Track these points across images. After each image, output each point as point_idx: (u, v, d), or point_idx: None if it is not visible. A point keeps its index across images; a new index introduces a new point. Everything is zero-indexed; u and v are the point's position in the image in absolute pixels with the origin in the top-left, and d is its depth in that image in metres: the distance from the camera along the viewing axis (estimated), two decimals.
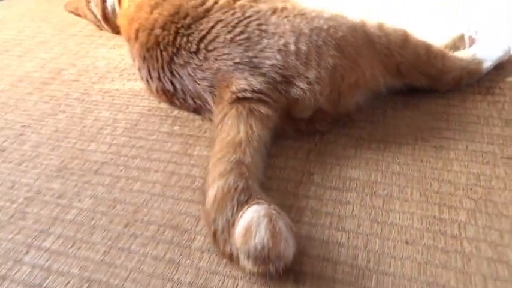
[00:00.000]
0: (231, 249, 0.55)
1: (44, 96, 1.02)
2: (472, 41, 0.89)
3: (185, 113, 0.88)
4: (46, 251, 0.63)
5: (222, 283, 0.56)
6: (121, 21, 0.98)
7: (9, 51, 1.28)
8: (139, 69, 0.88)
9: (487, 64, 0.82)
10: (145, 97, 0.96)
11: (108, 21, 1.20)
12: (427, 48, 0.77)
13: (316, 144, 0.76)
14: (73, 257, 0.61)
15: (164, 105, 0.92)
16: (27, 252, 0.63)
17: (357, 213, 0.63)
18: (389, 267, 0.55)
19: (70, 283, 0.58)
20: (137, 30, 0.85)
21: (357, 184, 0.67)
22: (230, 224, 0.55)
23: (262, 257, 0.51)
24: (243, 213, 0.55)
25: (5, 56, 1.25)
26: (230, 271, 0.57)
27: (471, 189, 0.64)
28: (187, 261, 0.59)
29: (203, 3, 0.81)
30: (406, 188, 0.65)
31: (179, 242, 0.62)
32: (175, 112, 0.89)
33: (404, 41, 0.75)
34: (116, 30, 1.18)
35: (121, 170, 0.76)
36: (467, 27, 0.92)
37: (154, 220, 0.66)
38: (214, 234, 0.57)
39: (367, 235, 0.59)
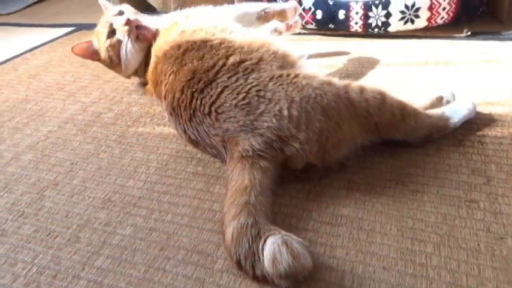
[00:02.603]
0: (262, 274, 0.71)
1: (87, 137, 1.21)
2: (449, 103, 1.05)
3: (207, 156, 1.06)
4: (98, 268, 0.79)
5: None
6: (150, 78, 1.16)
7: (53, 94, 1.49)
8: (169, 121, 1.06)
9: (454, 121, 0.99)
10: (173, 140, 1.14)
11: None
12: (402, 108, 0.92)
13: (314, 186, 0.92)
14: (120, 273, 0.78)
15: (189, 148, 1.10)
16: (83, 269, 0.80)
17: (346, 244, 0.78)
18: None
19: None
20: (166, 91, 1.03)
21: (346, 220, 0.83)
22: (250, 254, 0.72)
23: (293, 274, 0.69)
24: (263, 246, 0.71)
25: (51, 99, 1.45)
26: None
27: (438, 226, 0.80)
28: (211, 279, 0.75)
29: (214, 66, 0.98)
30: (386, 224, 0.81)
31: (204, 264, 0.78)
32: (199, 155, 1.07)
33: (382, 103, 0.90)
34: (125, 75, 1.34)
35: (155, 204, 0.93)
36: (445, 89, 1.09)
37: (184, 246, 0.82)
38: (238, 263, 0.73)
39: (353, 262, 0.75)
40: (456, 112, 1.01)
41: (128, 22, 1.20)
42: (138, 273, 0.77)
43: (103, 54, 1.26)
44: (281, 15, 1.36)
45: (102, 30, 1.25)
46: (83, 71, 1.64)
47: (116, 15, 1.25)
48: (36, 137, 1.24)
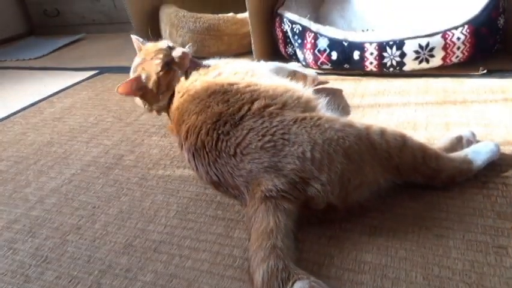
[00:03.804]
0: None
1: (109, 180, 1.23)
2: (469, 143, 1.05)
3: (226, 199, 1.06)
4: None
5: None
6: (173, 116, 1.18)
7: (77, 137, 1.53)
8: (189, 162, 1.08)
9: (477, 164, 0.97)
10: (193, 183, 1.15)
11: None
12: (423, 151, 0.93)
13: (336, 231, 0.91)
14: None
15: (209, 191, 1.10)
16: None
17: None
18: None
19: None
20: (187, 132, 1.06)
21: (370, 267, 0.82)
22: None
23: None
24: None
25: (75, 142, 1.50)
26: None
27: (466, 274, 0.77)
28: None
29: (239, 110, 1.01)
30: (411, 272, 0.79)
31: None
32: (218, 197, 1.08)
33: (403, 145, 0.91)
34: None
35: (175, 249, 0.93)
36: (464, 129, 1.09)
37: None
38: None
39: None
40: (479, 154, 1.00)
41: (185, 55, 1.23)
42: None
43: (151, 83, 1.23)
44: (303, 79, 1.50)
45: (156, 61, 1.22)
46: (105, 114, 1.70)
47: (166, 48, 1.26)
48: (60, 180, 1.26)
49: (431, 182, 0.96)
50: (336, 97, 1.50)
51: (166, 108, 1.26)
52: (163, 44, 1.29)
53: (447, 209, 0.92)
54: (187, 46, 1.32)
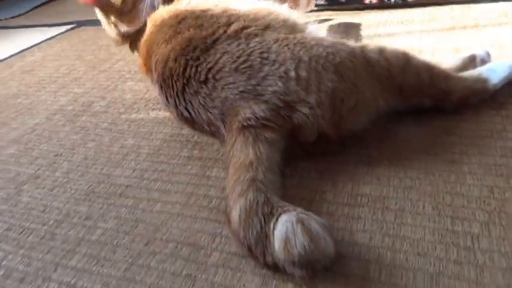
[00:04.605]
0: (273, 260, 0.57)
1: (75, 127, 1.10)
2: (483, 63, 0.89)
3: (204, 138, 0.93)
4: (72, 269, 0.67)
5: None
6: (142, 51, 1.04)
7: (46, 87, 1.39)
8: (160, 96, 0.94)
9: (493, 82, 0.82)
10: (168, 124, 1.01)
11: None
12: (430, 70, 0.79)
13: (328, 164, 0.78)
14: (96, 274, 0.65)
15: (185, 131, 0.97)
16: (55, 270, 0.67)
17: (369, 228, 0.63)
18: (401, 280, 0.55)
19: None
20: (156, 62, 0.91)
21: (368, 200, 0.68)
22: (262, 236, 0.58)
23: (308, 260, 0.55)
24: (275, 225, 0.58)
25: (43, 93, 1.35)
26: (244, 285, 0.59)
27: (484, 201, 0.64)
28: (203, 276, 0.61)
29: (213, 34, 0.85)
30: (418, 202, 0.66)
31: (196, 258, 0.64)
32: (195, 137, 0.94)
33: (406, 64, 0.77)
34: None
35: (143, 193, 0.81)
36: (479, 48, 0.93)
37: (173, 238, 0.69)
38: (249, 249, 0.59)
39: (378, 248, 0.60)
40: (495, 72, 0.84)
41: None
42: (117, 273, 0.64)
43: None
44: (294, 1, 1.32)
45: None
46: (78, 64, 1.54)
47: None
48: (22, 130, 1.13)
49: (440, 105, 0.82)
50: (351, 30, 1.33)
51: (136, 43, 1.11)
52: None
53: (459, 133, 0.78)
54: None
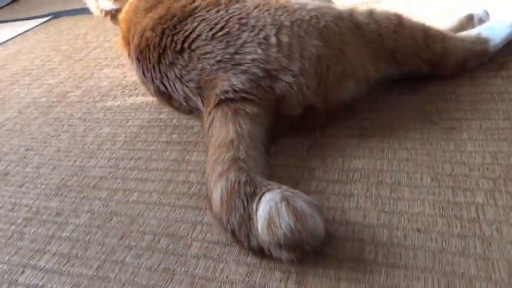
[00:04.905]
0: (258, 244, 0.52)
1: (48, 119, 1.03)
2: (481, 23, 0.83)
3: (184, 121, 0.86)
4: (41, 270, 0.61)
5: None
6: (121, 24, 0.97)
7: (19, 81, 1.32)
8: (136, 71, 0.87)
9: (494, 42, 0.75)
10: (145, 110, 0.95)
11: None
12: (425, 32, 0.72)
13: (317, 139, 0.72)
14: (67, 274, 0.59)
15: (164, 116, 0.90)
16: (22, 273, 0.61)
17: (362, 205, 0.57)
18: (400, 259, 0.49)
19: None
20: (134, 34, 0.85)
21: (361, 175, 0.62)
22: (246, 219, 0.52)
23: (295, 242, 0.49)
24: (258, 205, 0.52)
25: (16, 86, 1.28)
26: (227, 276, 0.53)
27: (488, 168, 0.58)
28: (183, 269, 0.55)
29: (193, 1, 0.79)
30: (416, 174, 0.60)
31: (174, 250, 0.59)
32: (175, 121, 0.88)
33: (398, 25, 0.70)
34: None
35: (119, 183, 0.74)
36: (477, 8, 0.86)
37: (150, 230, 0.63)
38: (233, 234, 0.54)
39: (374, 226, 0.54)
40: (495, 32, 0.77)
41: None
42: (89, 271, 0.59)
43: None
44: None
45: None
46: (53, 55, 1.46)
47: None
48: None
49: (437, 70, 0.75)
50: None
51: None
52: None
53: (457, 99, 0.72)
54: None
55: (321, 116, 0.72)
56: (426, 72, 0.75)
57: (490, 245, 0.48)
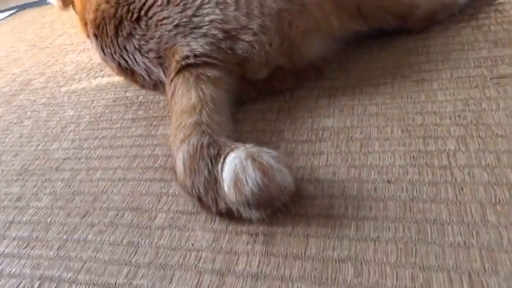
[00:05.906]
0: (227, 207, 0.49)
1: (11, 107, 0.98)
2: None
3: (150, 97, 0.83)
4: None
5: (184, 258, 0.49)
6: (77, 6, 0.92)
7: None
8: (96, 49, 0.83)
9: None
10: (111, 90, 0.91)
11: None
12: None
13: (286, 102, 0.69)
14: (26, 257, 0.56)
15: (130, 94, 0.87)
16: None
17: (332, 162, 0.55)
18: (370, 211, 0.47)
19: (21, 284, 0.52)
20: (89, 11, 0.80)
21: (331, 133, 0.60)
22: (211, 182, 0.50)
23: (264, 199, 0.47)
24: (222, 165, 0.49)
25: None
26: (193, 244, 0.50)
27: (459, 116, 0.56)
28: (147, 242, 0.53)
29: None
30: (386, 127, 0.58)
31: (139, 223, 0.56)
32: (141, 98, 0.84)
33: None
34: None
35: (82, 163, 0.71)
36: None
37: (114, 206, 0.60)
38: (199, 199, 0.51)
39: (343, 182, 0.52)
40: None
41: None
42: (49, 252, 0.55)
43: None
44: None
45: None
46: (18, 45, 1.41)
47: None
48: None
49: (406, 24, 0.73)
50: None
51: None
52: None
53: (427, 51, 0.70)
54: None
55: (289, 78, 0.69)
56: (396, 27, 0.73)
57: (462, 189, 0.46)
